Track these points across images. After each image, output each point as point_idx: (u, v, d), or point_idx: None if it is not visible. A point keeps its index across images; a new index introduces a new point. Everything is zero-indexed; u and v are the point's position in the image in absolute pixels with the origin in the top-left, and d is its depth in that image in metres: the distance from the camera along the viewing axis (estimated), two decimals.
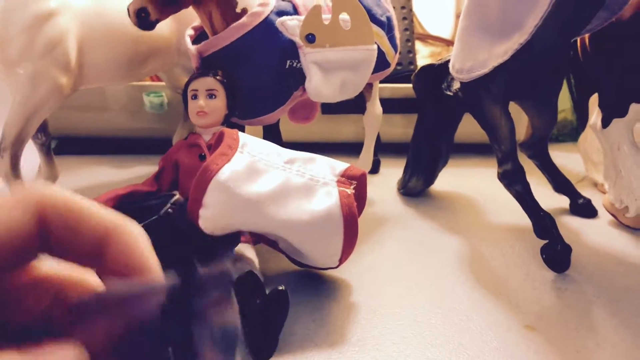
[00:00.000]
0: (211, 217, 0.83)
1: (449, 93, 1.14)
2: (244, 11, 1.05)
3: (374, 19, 1.13)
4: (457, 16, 2.28)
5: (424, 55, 1.82)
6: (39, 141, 1.17)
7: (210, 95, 1.01)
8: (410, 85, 1.44)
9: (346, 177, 0.90)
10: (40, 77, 1.00)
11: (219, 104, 1.02)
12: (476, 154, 1.59)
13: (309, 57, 1.06)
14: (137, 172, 1.43)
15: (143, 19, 0.94)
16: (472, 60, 0.99)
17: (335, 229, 0.86)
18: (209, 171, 0.83)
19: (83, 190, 1.32)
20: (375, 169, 1.44)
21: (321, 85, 1.07)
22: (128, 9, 0.94)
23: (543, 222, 0.99)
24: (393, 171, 1.42)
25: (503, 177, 1.04)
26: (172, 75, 1.31)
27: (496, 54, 0.94)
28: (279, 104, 1.11)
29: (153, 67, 1.17)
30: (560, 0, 0.83)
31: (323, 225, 0.85)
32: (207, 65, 1.05)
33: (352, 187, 0.89)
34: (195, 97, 1.02)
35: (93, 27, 1.06)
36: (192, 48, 1.06)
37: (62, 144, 1.61)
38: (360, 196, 0.92)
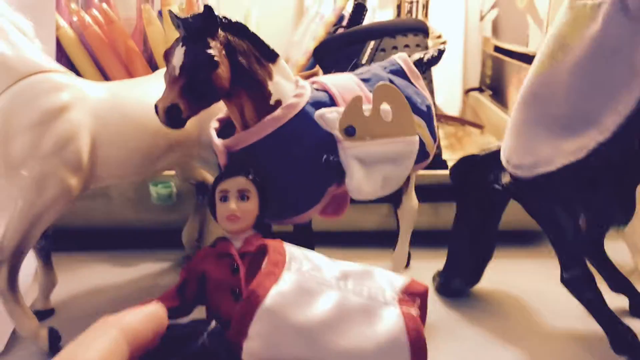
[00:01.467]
0: (258, 350, 0.70)
1: (497, 187, 1.05)
2: (278, 103, 0.96)
3: (414, 108, 1.04)
4: (465, 92, 2.24)
5: (439, 137, 1.75)
6: (38, 245, 1.03)
7: (242, 196, 0.90)
8: (436, 172, 1.34)
9: (408, 294, 0.78)
10: (48, 178, 0.88)
11: (252, 207, 0.90)
12: (521, 243, 1.47)
13: (349, 151, 0.96)
14: (143, 271, 1.29)
15: (174, 117, 0.83)
16: (533, 155, 0.90)
17: (401, 357, 0.73)
18: (256, 297, 0.70)
19: (84, 295, 1.17)
20: (406, 263, 1.32)
21: (363, 182, 0.96)
22: (156, 107, 0.83)
23: (623, 336, 0.87)
24: (424, 265, 1.30)
25: (569, 284, 0.93)
26: (186, 166, 1.20)
27: (566, 150, 0.85)
28: (314, 203, 1.00)
29: (170, 161, 1.06)
30: None
31: (388, 355, 0.72)
32: (236, 162, 0.94)
33: (416, 305, 0.77)
34: (225, 198, 0.90)
35: (108, 120, 0.95)
36: (219, 143, 0.96)
37: (57, 238, 1.45)
38: (421, 313, 0.80)
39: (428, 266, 1.25)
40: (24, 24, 0.92)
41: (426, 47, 1.57)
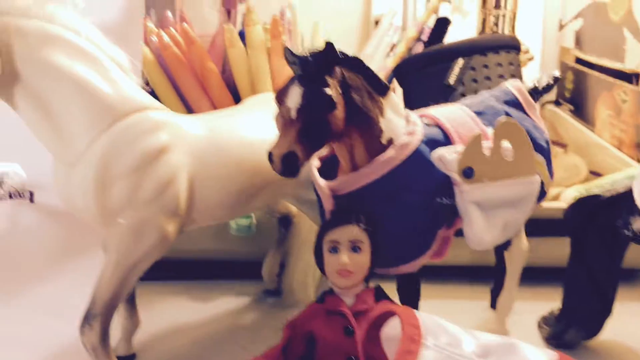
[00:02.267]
0: None
1: (627, 232, 0.94)
2: (390, 141, 0.86)
3: (534, 144, 0.93)
4: (541, 105, 2.11)
5: None
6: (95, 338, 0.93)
7: (354, 247, 0.81)
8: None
9: None
10: (146, 227, 0.81)
11: (364, 259, 0.82)
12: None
13: (467, 195, 0.86)
14: (222, 305, 1.22)
15: (291, 165, 0.75)
16: None
17: None
18: None
19: (164, 336, 1.10)
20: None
21: (484, 230, 0.86)
22: (271, 155, 0.75)
23: None
24: (524, 307, 1.19)
25: None
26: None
27: None
28: (426, 249, 0.91)
29: (265, 199, 0.98)
30: None
31: None
32: (346, 208, 0.85)
33: None
34: (334, 249, 0.81)
35: (207, 160, 0.87)
36: (324, 185, 0.87)
37: None
38: None
39: (530, 308, 1.15)
40: (121, 57, 0.85)
41: (519, 65, 1.46)
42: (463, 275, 1.30)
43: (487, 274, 1.22)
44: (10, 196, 1.02)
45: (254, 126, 0.94)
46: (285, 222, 1.20)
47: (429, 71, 1.42)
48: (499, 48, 1.42)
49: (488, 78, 1.40)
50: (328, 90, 0.76)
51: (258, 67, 1.26)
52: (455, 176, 0.86)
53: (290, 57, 0.78)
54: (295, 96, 0.76)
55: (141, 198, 0.80)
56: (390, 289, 0.89)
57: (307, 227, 1.17)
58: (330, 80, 0.77)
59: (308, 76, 0.76)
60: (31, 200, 1.03)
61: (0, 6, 0.76)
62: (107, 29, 0.90)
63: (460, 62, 1.40)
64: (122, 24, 1.03)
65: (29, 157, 1.00)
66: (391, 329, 0.73)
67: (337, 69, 0.79)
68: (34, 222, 1.03)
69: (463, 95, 1.39)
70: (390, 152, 0.85)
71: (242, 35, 1.28)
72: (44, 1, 0.79)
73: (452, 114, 0.94)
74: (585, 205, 1.01)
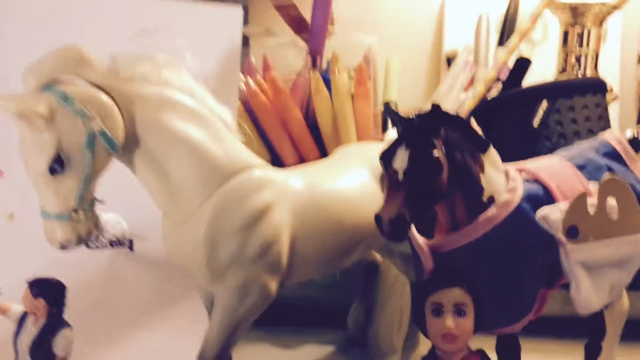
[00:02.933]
0: None
1: None
2: (491, 199, 0.85)
3: (639, 199, 0.90)
4: None
5: None
6: None
7: (459, 311, 0.80)
8: None
9: None
10: (251, 285, 0.83)
11: (469, 323, 0.80)
12: None
13: (573, 256, 0.84)
14: (305, 354, 1.22)
15: (399, 229, 0.75)
16: None
17: None
18: None
19: None
20: None
21: (591, 293, 0.84)
22: (379, 218, 0.75)
23: None
24: None
25: None
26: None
27: None
28: (528, 310, 0.88)
29: (360, 254, 0.98)
30: None
31: None
32: (449, 270, 0.84)
33: None
34: (438, 312, 0.80)
35: (307, 218, 0.89)
36: (423, 243, 0.87)
37: None
38: None
39: None
40: (227, 115, 0.88)
41: (605, 108, 1.42)
42: (551, 325, 1.25)
43: (577, 325, 1.18)
44: (111, 244, 1.06)
45: (350, 180, 0.95)
46: (371, 270, 1.19)
47: (511, 113, 1.40)
48: (584, 90, 1.38)
49: (574, 121, 1.37)
50: (436, 153, 0.76)
51: (342, 114, 1.28)
52: (560, 236, 0.84)
53: (396, 118, 0.78)
54: (402, 159, 0.76)
55: (248, 257, 0.82)
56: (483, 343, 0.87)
57: (393, 276, 1.17)
58: (436, 142, 0.77)
59: (414, 138, 0.76)
60: (130, 248, 1.07)
61: (123, 73, 0.80)
62: (206, 82, 0.93)
63: (544, 104, 1.38)
64: (220, 77, 1.07)
65: (129, 207, 1.04)
66: None
67: (442, 130, 0.79)
68: (133, 270, 1.06)
69: (547, 138, 1.37)
70: (492, 211, 0.84)
71: (325, 80, 1.30)
72: (160, 65, 0.82)
73: (554, 170, 0.92)
74: None
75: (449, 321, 0.79)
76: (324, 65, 1.39)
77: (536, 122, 1.37)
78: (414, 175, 0.75)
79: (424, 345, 1.15)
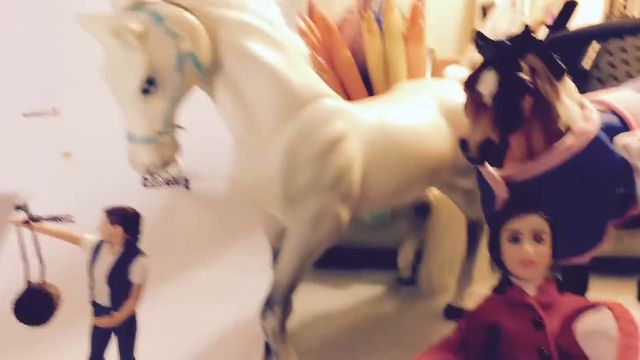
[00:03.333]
0: None
1: None
2: (567, 128, 0.83)
3: None
4: None
5: None
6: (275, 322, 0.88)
7: (537, 238, 0.78)
8: None
9: None
10: (324, 214, 0.82)
11: (547, 250, 0.78)
12: None
13: None
14: (359, 294, 1.23)
15: (488, 152, 0.73)
16: None
17: None
18: None
19: (313, 323, 1.11)
20: None
21: None
22: (464, 142, 0.74)
23: None
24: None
25: None
26: None
27: None
28: (599, 240, 0.88)
29: (422, 188, 0.98)
30: None
31: None
32: (526, 197, 0.82)
33: None
34: (515, 239, 0.79)
35: (378, 148, 0.87)
36: (496, 173, 0.85)
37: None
38: None
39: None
40: (301, 45, 0.87)
41: None
42: (605, 267, 1.25)
43: (630, 267, 1.17)
44: (168, 183, 1.06)
45: (418, 114, 0.94)
46: (423, 211, 1.19)
47: (562, 56, 1.37)
48: (636, 31, 1.35)
49: (626, 62, 1.34)
50: (523, 75, 0.74)
51: (395, 55, 1.25)
52: (638, 163, 0.82)
53: (483, 42, 0.76)
54: (488, 82, 0.74)
55: (322, 186, 0.81)
56: None
57: (446, 217, 1.16)
58: (523, 65, 0.75)
59: (503, 61, 0.74)
60: (186, 187, 1.06)
61: None
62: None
63: (595, 46, 1.34)
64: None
65: (185, 147, 1.03)
66: (589, 323, 0.71)
67: (529, 54, 0.77)
68: (189, 208, 1.06)
69: (599, 80, 1.34)
70: (569, 139, 0.82)
71: (377, 20, 1.27)
72: None
73: (628, 100, 0.90)
74: None
75: (528, 247, 0.78)
76: (376, 7, 1.35)
77: (588, 63, 1.34)
78: (502, 98, 0.73)
79: (478, 284, 1.16)
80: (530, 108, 0.78)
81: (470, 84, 0.76)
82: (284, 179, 0.80)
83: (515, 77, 0.73)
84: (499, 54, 0.75)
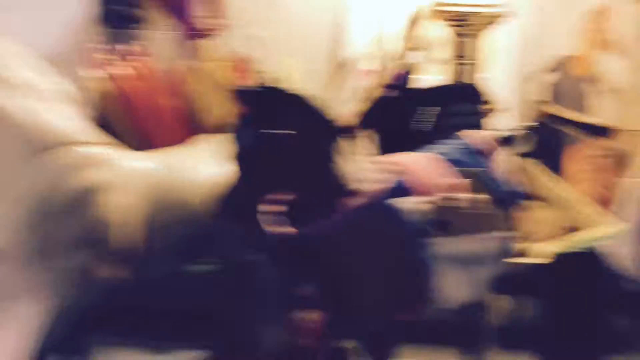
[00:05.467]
0: None
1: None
2: (354, 189, 0.81)
3: (494, 193, 0.89)
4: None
5: None
6: None
7: None
8: None
9: None
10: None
11: None
12: None
13: (439, 249, 0.81)
14: None
15: None
16: None
17: None
18: None
19: None
20: None
21: (456, 287, 0.81)
22: None
23: None
24: None
25: None
26: None
27: None
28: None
29: None
30: None
31: None
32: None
33: None
34: None
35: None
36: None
37: None
38: None
39: None
40: (65, 89, 0.80)
41: (480, 114, 1.44)
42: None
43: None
44: None
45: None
46: None
47: (395, 117, 1.39)
48: (459, 98, 1.41)
49: (454, 126, 1.38)
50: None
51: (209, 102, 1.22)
52: (427, 229, 0.81)
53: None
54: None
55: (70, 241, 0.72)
56: None
57: None
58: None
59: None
60: None
61: None
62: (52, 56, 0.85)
63: (423, 109, 1.38)
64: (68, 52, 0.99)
65: None
66: None
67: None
68: None
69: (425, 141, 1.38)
70: (355, 200, 0.79)
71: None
72: None
73: (419, 162, 0.90)
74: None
75: None
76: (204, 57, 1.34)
77: (418, 124, 1.37)
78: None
79: None
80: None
81: None
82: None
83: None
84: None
